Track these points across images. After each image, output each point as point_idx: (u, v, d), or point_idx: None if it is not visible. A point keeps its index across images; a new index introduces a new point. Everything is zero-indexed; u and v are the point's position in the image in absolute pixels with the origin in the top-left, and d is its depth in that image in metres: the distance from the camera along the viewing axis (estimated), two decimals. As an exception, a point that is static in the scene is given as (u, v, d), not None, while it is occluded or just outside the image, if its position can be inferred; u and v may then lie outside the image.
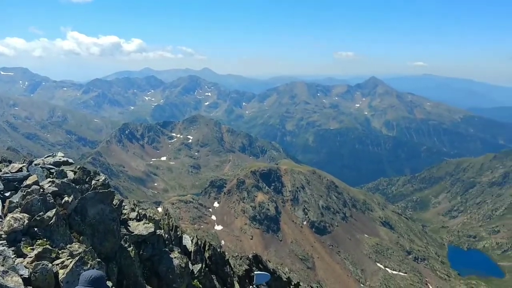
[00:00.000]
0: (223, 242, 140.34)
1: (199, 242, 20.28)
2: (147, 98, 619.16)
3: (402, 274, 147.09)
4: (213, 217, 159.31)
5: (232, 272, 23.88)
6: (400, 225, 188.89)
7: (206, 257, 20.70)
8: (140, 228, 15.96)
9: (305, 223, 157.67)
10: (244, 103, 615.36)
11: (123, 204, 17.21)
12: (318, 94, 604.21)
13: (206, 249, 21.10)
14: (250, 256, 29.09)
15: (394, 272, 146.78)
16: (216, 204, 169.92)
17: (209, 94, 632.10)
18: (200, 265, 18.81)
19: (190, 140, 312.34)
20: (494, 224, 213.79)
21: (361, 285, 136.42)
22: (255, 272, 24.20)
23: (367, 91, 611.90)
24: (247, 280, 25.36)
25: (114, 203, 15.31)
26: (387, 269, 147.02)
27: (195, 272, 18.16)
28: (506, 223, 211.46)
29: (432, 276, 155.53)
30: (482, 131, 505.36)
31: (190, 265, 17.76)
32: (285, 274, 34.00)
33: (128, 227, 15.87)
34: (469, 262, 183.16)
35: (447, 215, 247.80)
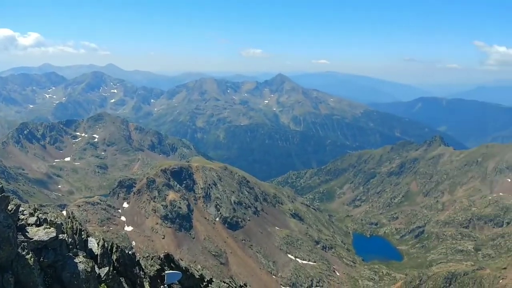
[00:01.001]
0: (134, 243, 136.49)
1: (106, 245, 19.52)
2: (47, 96, 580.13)
3: (312, 263, 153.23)
4: (123, 218, 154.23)
5: (143, 273, 23.32)
6: (308, 216, 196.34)
7: (114, 260, 19.96)
8: (40, 234, 15.02)
9: (217, 219, 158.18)
10: (152, 100, 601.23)
11: (21, 209, 16.06)
12: (228, 91, 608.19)
13: (113, 251, 20.35)
14: (162, 255, 28.60)
15: (304, 261, 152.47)
16: (125, 205, 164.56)
17: (115, 91, 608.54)
18: (107, 268, 18.12)
19: (96, 139, 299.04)
20: (393, 211, 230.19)
21: (273, 276, 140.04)
22: (166, 272, 23.88)
23: (275, 88, 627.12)
24: (158, 280, 24.92)
25: (10, 209, 14.23)
26: (297, 259, 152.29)
27: (102, 276, 17.47)
28: (403, 209, 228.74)
29: (339, 263, 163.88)
30: (381, 124, 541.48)
31: (96, 269, 17.07)
32: (197, 271, 33.86)
33: (27, 233, 14.86)
34: (372, 248, 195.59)
35: (351, 204, 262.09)
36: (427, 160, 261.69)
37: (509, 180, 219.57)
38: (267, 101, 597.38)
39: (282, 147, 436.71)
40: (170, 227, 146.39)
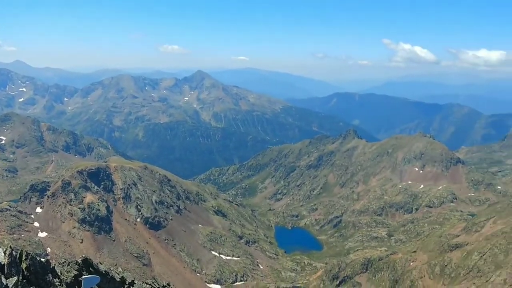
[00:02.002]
0: (49, 249, 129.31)
1: (15, 253, 18.31)
2: None
3: (236, 258, 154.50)
4: (36, 224, 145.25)
5: (58, 280, 22.18)
6: (231, 212, 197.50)
7: (23, 268, 18.78)
8: None
9: (138, 220, 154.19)
10: (65, 99, 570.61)
11: None
12: (146, 88, 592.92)
13: (22, 259, 19.13)
14: (79, 260, 27.36)
15: (228, 257, 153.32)
16: (38, 210, 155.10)
17: (24, 89, 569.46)
18: (15, 278, 17.01)
19: (3, 141, 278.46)
20: (312, 203, 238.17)
21: (198, 274, 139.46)
22: (83, 277, 22.91)
23: (195, 85, 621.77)
24: (76, 286, 23.87)
25: None
26: (221, 255, 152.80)
27: (10, 286, 16.37)
28: (322, 201, 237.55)
29: (262, 257, 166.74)
30: (299, 119, 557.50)
31: (3, 279, 15.96)
32: (118, 274, 32.80)
33: None
34: (293, 239, 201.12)
35: (273, 198, 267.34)
36: (343, 153, 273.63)
37: (417, 169, 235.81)
38: (187, 98, 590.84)
39: (204, 144, 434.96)
40: (88, 231, 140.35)
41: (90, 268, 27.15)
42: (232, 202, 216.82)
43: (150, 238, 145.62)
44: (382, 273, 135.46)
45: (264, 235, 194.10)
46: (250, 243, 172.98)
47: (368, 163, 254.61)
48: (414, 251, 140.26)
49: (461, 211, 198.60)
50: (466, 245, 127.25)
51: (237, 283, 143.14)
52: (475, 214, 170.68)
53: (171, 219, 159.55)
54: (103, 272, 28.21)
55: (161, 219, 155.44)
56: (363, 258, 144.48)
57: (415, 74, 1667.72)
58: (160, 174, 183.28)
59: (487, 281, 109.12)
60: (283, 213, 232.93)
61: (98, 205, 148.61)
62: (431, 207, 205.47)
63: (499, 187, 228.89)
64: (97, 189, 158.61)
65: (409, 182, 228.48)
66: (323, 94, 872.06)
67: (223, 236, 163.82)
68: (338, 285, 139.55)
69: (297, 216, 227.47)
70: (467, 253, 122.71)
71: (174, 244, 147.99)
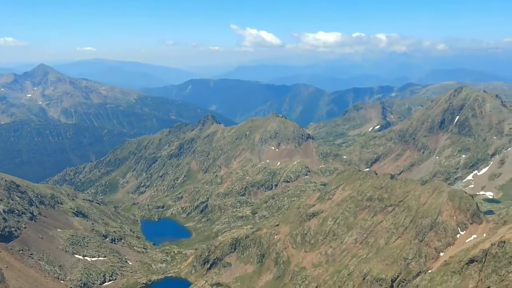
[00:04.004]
0: None
1: None
2: None
3: (102, 258, 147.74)
4: None
5: None
6: (93, 211, 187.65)
7: None
8: None
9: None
10: None
11: None
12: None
13: None
14: None
15: (93, 259, 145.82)
16: None
17: None
18: None
19: None
20: (177, 192, 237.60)
21: (61, 281, 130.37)
22: None
23: (38, 80, 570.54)
24: None
25: None
26: (86, 258, 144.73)
27: None
28: (187, 188, 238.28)
29: (130, 253, 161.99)
30: (156, 109, 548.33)
31: None
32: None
33: None
34: (161, 231, 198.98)
35: (136, 192, 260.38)
36: (203, 139, 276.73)
37: (273, 147, 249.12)
38: (30, 95, 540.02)
39: (55, 143, 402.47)
40: None
41: None
42: (93, 201, 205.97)
43: (1, 252, 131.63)
44: (250, 249, 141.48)
45: (131, 230, 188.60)
46: (116, 240, 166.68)
47: (228, 146, 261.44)
48: (277, 225, 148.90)
49: (315, 182, 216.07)
50: (322, 212, 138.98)
51: (106, 283, 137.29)
52: (326, 184, 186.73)
53: (25, 228, 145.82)
54: None
55: (13, 229, 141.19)
56: (231, 239, 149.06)
57: (263, 58, 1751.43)
58: (6, 180, 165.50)
59: (341, 242, 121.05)
60: (148, 205, 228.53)
61: None
62: (289, 182, 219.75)
63: (344, 156, 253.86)
64: None
65: (267, 160, 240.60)
66: (178, 81, 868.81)
67: (86, 238, 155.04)
68: (209, 268, 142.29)
69: (163, 207, 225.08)
70: (323, 219, 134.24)
71: (31, 254, 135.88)
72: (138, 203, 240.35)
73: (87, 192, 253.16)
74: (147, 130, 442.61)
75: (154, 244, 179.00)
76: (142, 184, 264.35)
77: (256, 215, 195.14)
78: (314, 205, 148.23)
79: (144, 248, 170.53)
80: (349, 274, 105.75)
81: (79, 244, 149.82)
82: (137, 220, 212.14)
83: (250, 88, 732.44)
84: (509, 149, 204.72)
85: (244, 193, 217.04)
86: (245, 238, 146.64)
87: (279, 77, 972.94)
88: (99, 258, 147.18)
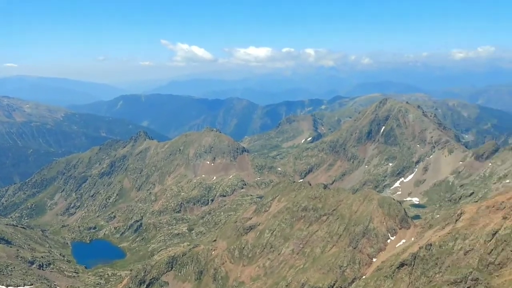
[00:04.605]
0: None
1: None
2: None
3: (28, 287, 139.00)
4: None
5: None
6: (17, 236, 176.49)
7: None
8: None
9: None
10: None
11: None
12: None
13: None
14: None
15: None
16: None
17: None
18: None
19: None
20: (110, 211, 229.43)
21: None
22: None
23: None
24: None
25: None
26: (10, 287, 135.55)
27: None
28: (120, 207, 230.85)
29: (60, 278, 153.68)
30: (85, 126, 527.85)
31: None
32: None
33: None
34: (93, 253, 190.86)
35: (65, 213, 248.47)
36: (136, 156, 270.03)
37: (208, 162, 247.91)
38: None
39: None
40: None
41: None
42: (17, 226, 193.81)
43: None
44: (187, 267, 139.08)
45: (60, 254, 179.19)
46: (44, 266, 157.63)
47: (162, 162, 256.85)
48: (214, 240, 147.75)
49: (251, 195, 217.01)
50: (258, 225, 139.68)
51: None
52: (262, 196, 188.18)
53: None
54: None
55: None
56: (167, 257, 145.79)
57: (196, 73, 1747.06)
58: None
59: (279, 254, 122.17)
60: (79, 227, 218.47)
61: None
62: (225, 196, 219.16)
63: (279, 168, 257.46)
64: None
65: (203, 175, 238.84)
66: (108, 97, 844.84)
67: (9, 266, 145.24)
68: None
69: (94, 228, 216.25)
70: (260, 232, 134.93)
71: None
72: (68, 225, 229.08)
73: (11, 217, 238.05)
74: (76, 149, 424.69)
75: (86, 268, 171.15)
76: (71, 205, 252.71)
77: (193, 231, 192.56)
78: (251, 218, 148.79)
79: (75, 272, 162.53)
80: (287, 285, 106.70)
81: (2, 273, 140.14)
82: (67, 243, 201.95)
83: (183, 102, 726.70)
84: (432, 156, 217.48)
85: (180, 210, 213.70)
86: (182, 255, 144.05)
87: (212, 91, 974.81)
88: (25, 287, 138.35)
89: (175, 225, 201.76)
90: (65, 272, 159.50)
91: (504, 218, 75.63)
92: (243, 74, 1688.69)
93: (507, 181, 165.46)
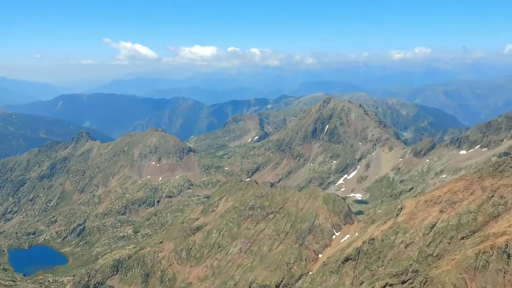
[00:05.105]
0: None
1: None
2: None
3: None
4: None
5: None
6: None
7: None
8: None
9: None
10: None
11: None
12: None
13: None
14: None
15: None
16: None
17: None
18: None
19: None
20: (50, 215, 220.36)
21: None
22: None
23: None
24: None
25: None
26: None
27: None
28: (61, 211, 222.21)
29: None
30: (23, 127, 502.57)
31: None
32: None
33: None
34: (33, 259, 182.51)
35: (1, 219, 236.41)
36: (78, 157, 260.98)
37: (153, 162, 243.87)
38: None
39: None
40: None
41: None
42: None
43: None
44: (134, 270, 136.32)
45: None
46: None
47: (105, 164, 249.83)
48: (161, 242, 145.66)
49: (198, 196, 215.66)
50: (206, 225, 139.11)
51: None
52: (210, 196, 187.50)
53: None
54: None
55: None
56: (113, 260, 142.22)
57: (140, 72, 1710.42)
58: None
59: (227, 253, 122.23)
60: (16, 233, 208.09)
61: None
62: (172, 197, 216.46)
63: (226, 168, 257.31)
64: None
65: (148, 176, 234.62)
66: (47, 97, 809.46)
67: None
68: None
69: (34, 233, 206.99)
70: (207, 232, 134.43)
71: None
72: (4, 231, 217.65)
73: None
74: (13, 151, 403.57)
75: (24, 275, 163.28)
76: (8, 210, 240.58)
77: (139, 233, 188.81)
78: (198, 218, 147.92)
79: (12, 281, 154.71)
80: (235, 285, 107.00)
81: None
82: (3, 250, 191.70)
83: (127, 102, 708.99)
84: (373, 153, 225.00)
85: (125, 212, 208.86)
86: (128, 258, 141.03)
87: (157, 91, 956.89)
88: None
89: (120, 227, 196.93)
90: (0, 282, 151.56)
91: (441, 211, 79.67)
92: (189, 73, 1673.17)
93: (444, 176, 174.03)
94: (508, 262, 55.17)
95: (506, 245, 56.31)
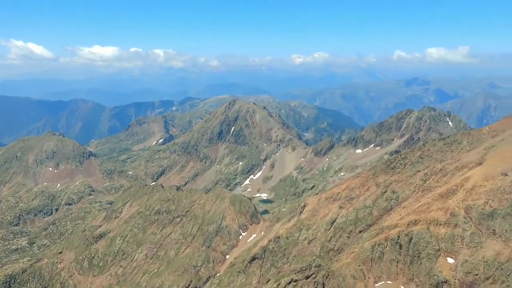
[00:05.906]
0: None
1: None
2: None
3: None
4: None
5: None
6: None
7: None
8: None
9: None
10: None
11: None
12: None
13: None
14: None
15: None
16: None
17: None
18: None
19: None
20: None
21: None
22: None
23: None
24: None
25: None
26: None
27: None
28: None
29: None
30: None
31: None
32: None
33: None
34: None
35: None
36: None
37: (51, 168, 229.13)
38: None
39: None
40: None
41: None
42: None
43: None
44: (29, 285, 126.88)
45: None
46: None
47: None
48: (60, 252, 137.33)
49: (100, 202, 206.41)
50: (109, 232, 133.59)
51: None
52: (113, 202, 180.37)
53: None
54: None
55: None
56: (4, 276, 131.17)
57: (34, 72, 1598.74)
58: None
59: (132, 260, 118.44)
60: None
61: None
62: (71, 204, 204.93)
63: (130, 172, 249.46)
64: None
65: (45, 183, 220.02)
66: None
67: None
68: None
69: None
70: (111, 239, 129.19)
71: None
72: None
73: None
74: None
75: None
76: None
77: (35, 245, 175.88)
78: (101, 225, 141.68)
79: None
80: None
81: None
82: None
83: (19, 104, 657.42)
84: (277, 154, 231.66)
85: (18, 223, 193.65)
86: (22, 272, 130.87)
87: (53, 92, 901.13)
88: None
89: (12, 240, 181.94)
90: None
91: (341, 207, 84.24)
92: (88, 74, 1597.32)
93: (342, 174, 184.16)
94: (400, 252, 59.81)
95: (398, 236, 61.00)
